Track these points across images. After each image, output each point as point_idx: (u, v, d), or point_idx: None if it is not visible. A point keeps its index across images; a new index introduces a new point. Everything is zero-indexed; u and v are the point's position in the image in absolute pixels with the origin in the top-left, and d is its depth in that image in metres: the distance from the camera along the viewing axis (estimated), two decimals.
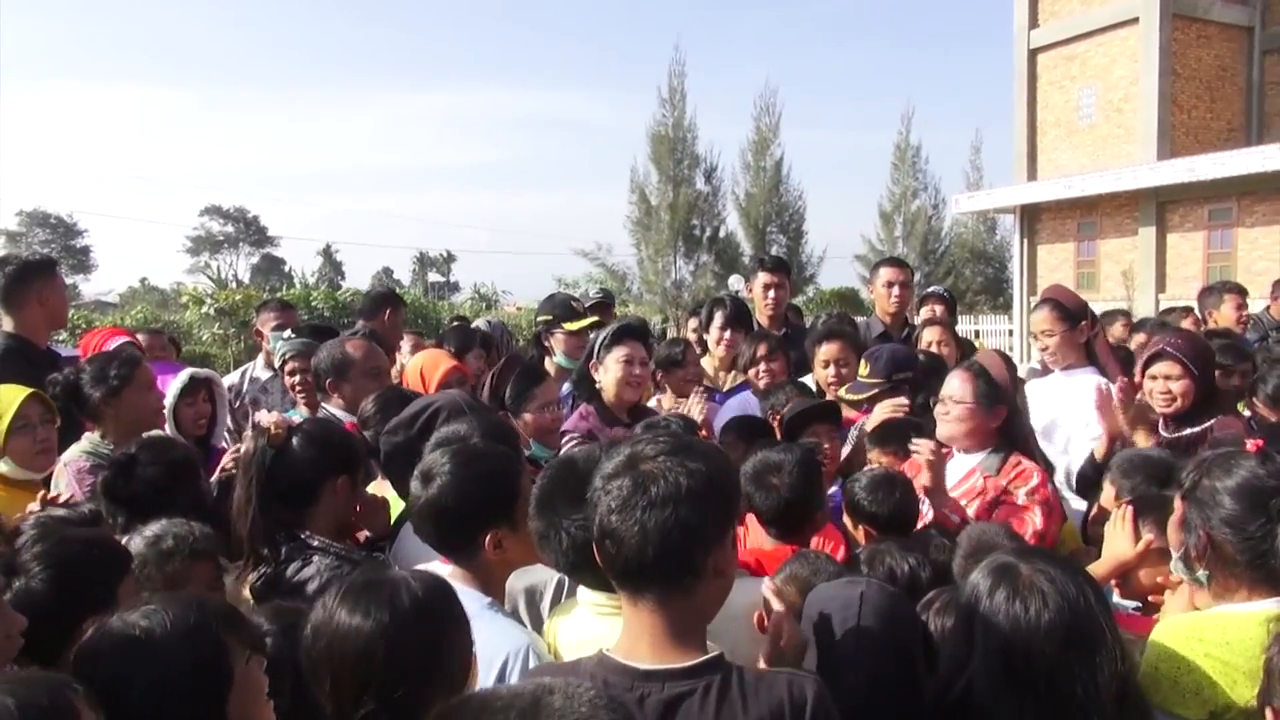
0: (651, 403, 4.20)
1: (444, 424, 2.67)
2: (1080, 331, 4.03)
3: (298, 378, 4.21)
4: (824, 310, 19.02)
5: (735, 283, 20.32)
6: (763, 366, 4.41)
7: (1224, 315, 6.59)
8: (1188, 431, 3.41)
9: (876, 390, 3.86)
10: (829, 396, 4.11)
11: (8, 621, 1.61)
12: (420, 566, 2.10)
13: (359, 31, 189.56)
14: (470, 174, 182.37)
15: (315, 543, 2.42)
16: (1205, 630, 1.91)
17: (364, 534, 2.75)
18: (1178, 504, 2.04)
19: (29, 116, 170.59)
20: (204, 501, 2.84)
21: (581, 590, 2.10)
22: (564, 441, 3.58)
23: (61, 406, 3.27)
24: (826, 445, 3.40)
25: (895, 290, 5.42)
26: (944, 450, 3.36)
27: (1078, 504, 3.54)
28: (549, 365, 4.70)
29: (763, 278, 5.55)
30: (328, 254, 72.85)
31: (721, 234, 26.95)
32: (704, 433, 3.42)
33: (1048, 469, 3.32)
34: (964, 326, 20.09)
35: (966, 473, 3.19)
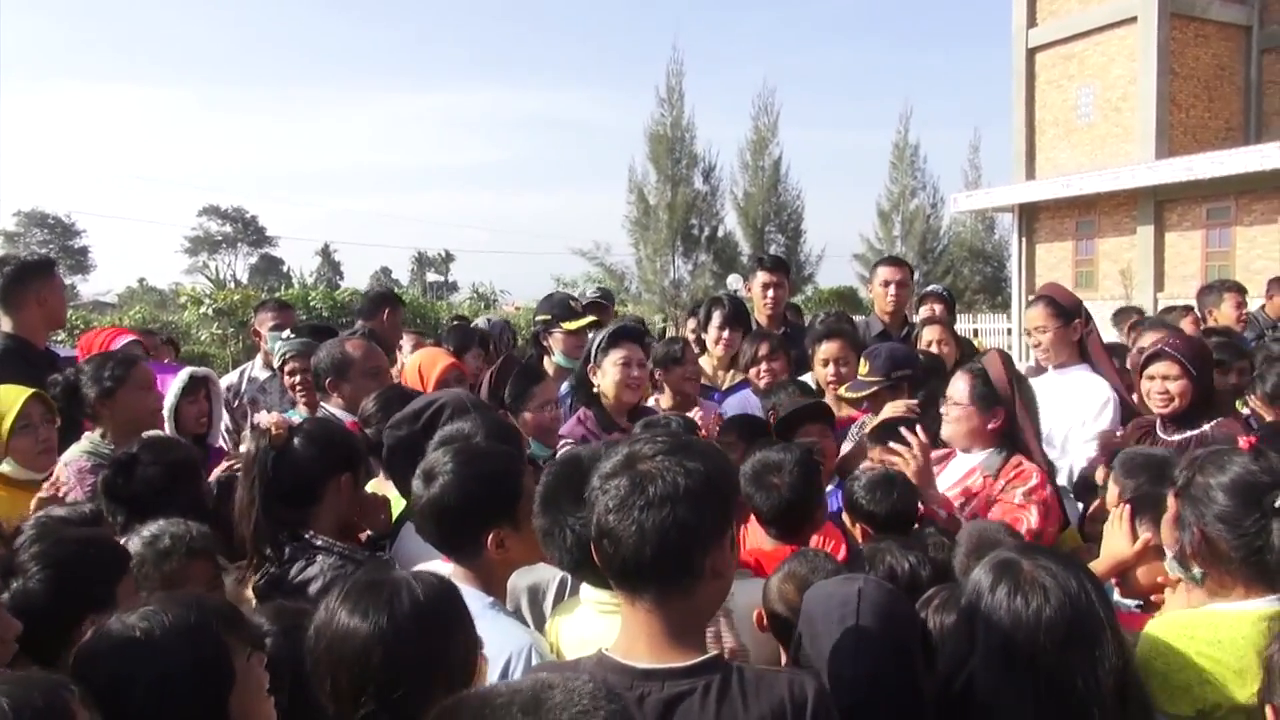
0: (650, 402, 4.20)
1: (448, 421, 2.67)
2: (1074, 329, 4.04)
3: (298, 378, 4.21)
4: (822, 309, 19.02)
5: (734, 282, 20.33)
6: (764, 366, 4.42)
7: (1224, 314, 6.59)
8: (1188, 434, 3.40)
9: (875, 388, 3.87)
10: (828, 395, 4.11)
11: (3, 626, 1.61)
12: (422, 566, 2.10)
13: (358, 31, 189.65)
14: (469, 173, 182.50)
15: (319, 542, 2.42)
16: (1197, 628, 1.91)
17: (365, 533, 2.75)
18: (1171, 501, 2.05)
19: (27, 116, 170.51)
20: (203, 502, 2.85)
21: (584, 588, 2.11)
22: (560, 446, 3.58)
23: (60, 407, 3.27)
24: (821, 444, 3.40)
25: (893, 289, 5.42)
26: (946, 450, 3.38)
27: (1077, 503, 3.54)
28: (547, 365, 4.70)
29: (761, 277, 5.55)
30: (326, 254, 72.81)
31: (720, 233, 26.96)
32: (703, 432, 3.42)
33: (1050, 470, 3.31)
34: (962, 325, 20.13)
35: (966, 472, 3.19)
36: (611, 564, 1.56)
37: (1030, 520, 2.91)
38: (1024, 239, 23.26)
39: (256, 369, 5.13)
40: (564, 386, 4.21)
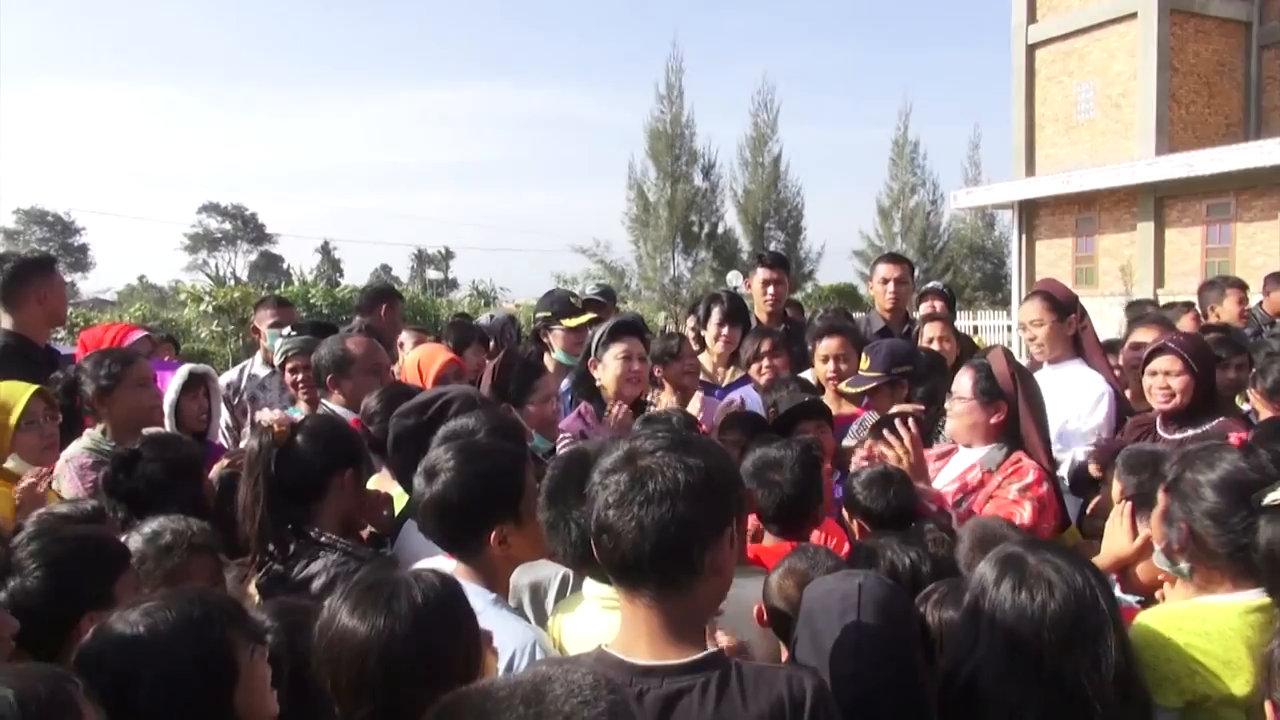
0: (648, 399, 4.20)
1: (455, 415, 2.68)
2: (1069, 324, 4.05)
3: (299, 375, 4.21)
4: (822, 306, 19.02)
5: (734, 279, 20.35)
6: (766, 362, 4.42)
7: (1227, 310, 6.60)
8: (1190, 433, 3.40)
9: (875, 384, 3.88)
10: (828, 391, 4.12)
11: (1, 624, 1.61)
12: (424, 562, 2.11)
13: (358, 29, 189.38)
14: (468, 171, 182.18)
15: (323, 539, 2.43)
16: (1185, 620, 1.92)
17: (366, 530, 2.75)
18: (1161, 496, 2.06)
19: (26, 114, 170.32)
20: (204, 499, 2.85)
21: (588, 583, 2.11)
22: (560, 439, 3.59)
23: (61, 404, 3.28)
24: (820, 440, 3.41)
25: (892, 286, 5.42)
26: (949, 446, 3.38)
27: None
28: (547, 361, 4.70)
29: (762, 274, 5.55)
30: (326, 251, 72.75)
31: (720, 230, 27.00)
32: (703, 428, 3.43)
33: (1053, 468, 3.31)
34: (962, 322, 20.13)
35: (967, 467, 3.20)
36: (611, 559, 1.57)
37: (1023, 516, 2.91)
38: (1024, 235, 23.25)
39: (256, 366, 5.14)
40: (564, 383, 4.22)
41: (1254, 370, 4.06)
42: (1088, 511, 3.30)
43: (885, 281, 5.44)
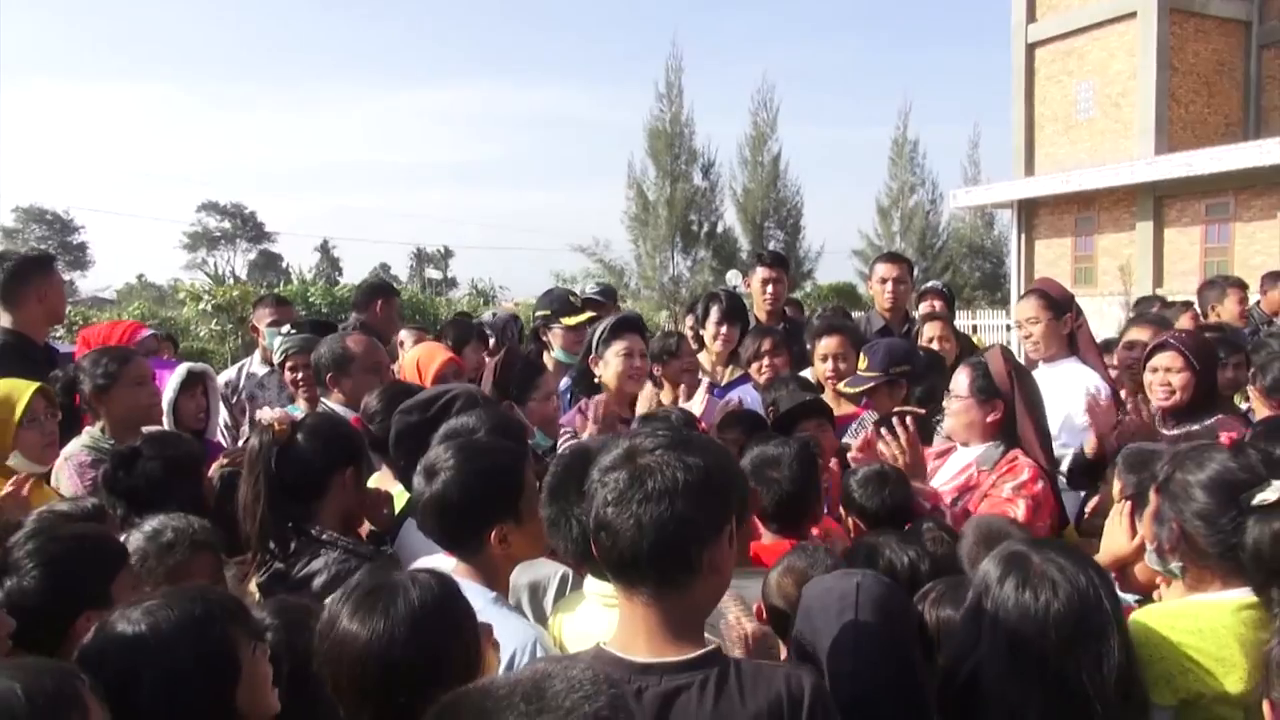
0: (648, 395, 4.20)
1: (458, 413, 2.68)
2: (1064, 323, 4.05)
3: (299, 373, 4.21)
4: (821, 305, 19.03)
5: (733, 278, 20.34)
6: (766, 361, 4.43)
7: (1227, 309, 6.61)
8: (1190, 428, 3.41)
9: (874, 383, 3.88)
10: (827, 390, 4.13)
11: None
12: (425, 561, 2.11)
13: (357, 28, 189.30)
14: (468, 170, 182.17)
15: (324, 537, 2.43)
16: (1178, 618, 1.93)
17: (365, 528, 2.75)
18: (1152, 496, 2.06)
19: (26, 112, 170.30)
20: (204, 497, 2.85)
21: (589, 581, 2.11)
22: (561, 432, 3.61)
23: (61, 402, 3.28)
24: (819, 439, 3.41)
25: (891, 286, 5.42)
26: (948, 444, 3.39)
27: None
28: (547, 360, 4.71)
29: (761, 273, 5.55)
30: (325, 250, 72.74)
31: (719, 229, 26.98)
32: (702, 425, 3.43)
33: (1052, 466, 3.31)
34: (962, 321, 20.10)
35: (964, 465, 3.20)
36: (609, 557, 1.57)
37: (1016, 514, 2.91)
38: (1023, 235, 23.25)
39: (255, 364, 5.14)
40: (563, 382, 4.22)
41: (1253, 369, 4.07)
42: (1086, 512, 3.31)
43: (884, 281, 5.44)
